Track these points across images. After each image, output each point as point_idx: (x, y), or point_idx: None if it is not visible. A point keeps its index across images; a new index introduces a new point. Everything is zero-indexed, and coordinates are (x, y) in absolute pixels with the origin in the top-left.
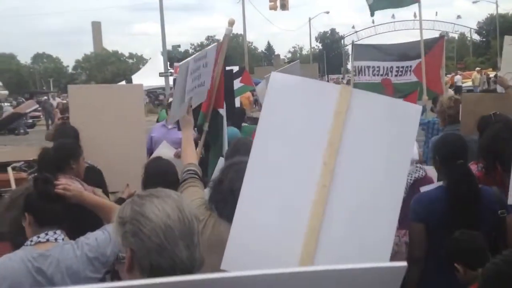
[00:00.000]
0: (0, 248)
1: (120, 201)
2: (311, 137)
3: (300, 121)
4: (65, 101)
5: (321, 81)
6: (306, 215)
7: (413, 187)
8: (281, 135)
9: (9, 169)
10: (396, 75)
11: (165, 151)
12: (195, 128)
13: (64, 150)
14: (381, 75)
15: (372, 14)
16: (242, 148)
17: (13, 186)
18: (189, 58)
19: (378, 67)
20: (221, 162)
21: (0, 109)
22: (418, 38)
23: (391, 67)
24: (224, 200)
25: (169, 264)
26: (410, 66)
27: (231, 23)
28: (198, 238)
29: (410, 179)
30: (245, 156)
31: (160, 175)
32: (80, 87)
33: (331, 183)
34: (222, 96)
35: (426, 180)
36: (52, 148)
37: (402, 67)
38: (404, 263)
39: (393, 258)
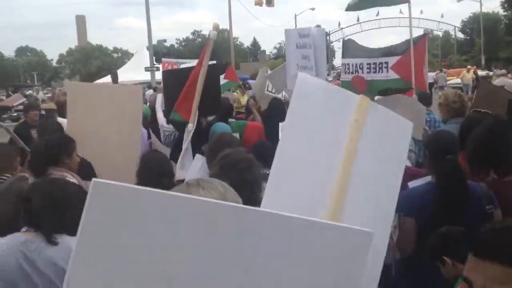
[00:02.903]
0: None
1: None
2: (332, 142)
3: (323, 125)
4: (49, 95)
5: (344, 89)
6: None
7: None
8: (304, 138)
9: None
10: (368, 72)
11: None
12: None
13: (56, 145)
14: (351, 72)
15: (348, 9)
16: (224, 144)
17: None
18: (292, 29)
19: (348, 64)
20: (197, 158)
21: None
22: (402, 36)
23: (361, 63)
24: None
25: None
26: (386, 63)
27: (216, 27)
28: None
29: None
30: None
31: (154, 164)
32: (79, 85)
33: (348, 189)
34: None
35: (406, 173)
36: (44, 142)
37: (375, 63)
38: (372, 230)
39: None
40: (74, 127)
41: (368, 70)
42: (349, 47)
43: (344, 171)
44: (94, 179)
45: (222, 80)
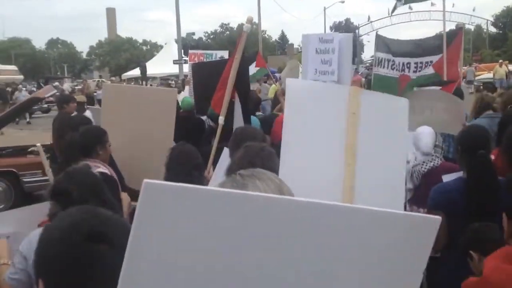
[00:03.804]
0: None
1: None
2: (330, 138)
3: (318, 123)
4: (80, 87)
5: (332, 84)
6: None
7: (426, 176)
8: (303, 139)
9: (41, 150)
10: (414, 71)
11: None
12: (209, 118)
13: (91, 136)
14: (398, 70)
15: (397, 6)
16: (246, 137)
17: (47, 167)
18: (312, 34)
19: (396, 61)
20: (226, 151)
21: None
22: (432, 29)
23: (408, 63)
24: None
25: None
26: (431, 61)
27: (250, 21)
28: None
29: (424, 169)
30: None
31: (185, 157)
32: (115, 86)
33: (355, 183)
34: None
35: (442, 168)
36: (79, 133)
37: (421, 62)
38: (439, 217)
39: None
40: (108, 127)
41: (415, 70)
42: (383, 42)
43: (350, 167)
44: (145, 180)
45: (254, 69)
